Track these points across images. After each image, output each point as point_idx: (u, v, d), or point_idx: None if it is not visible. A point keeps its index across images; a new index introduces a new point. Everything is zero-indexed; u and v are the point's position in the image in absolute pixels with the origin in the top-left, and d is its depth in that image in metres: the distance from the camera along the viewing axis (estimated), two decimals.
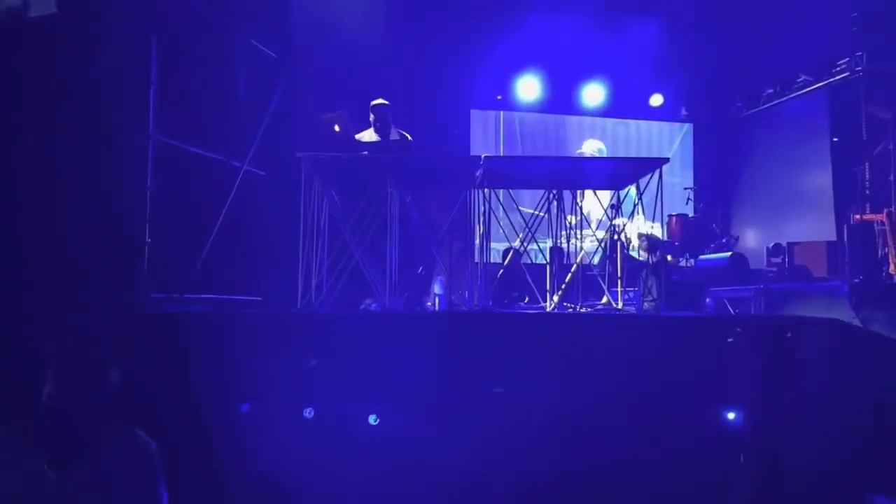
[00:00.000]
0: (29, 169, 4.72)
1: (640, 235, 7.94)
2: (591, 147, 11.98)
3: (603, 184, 5.86)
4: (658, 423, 3.43)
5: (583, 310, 5.47)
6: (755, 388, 3.37)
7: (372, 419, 3.39)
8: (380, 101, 6.02)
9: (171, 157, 5.36)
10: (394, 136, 6.00)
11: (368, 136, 6.02)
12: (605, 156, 11.79)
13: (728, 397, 3.39)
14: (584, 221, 5.92)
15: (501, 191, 5.82)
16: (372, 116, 6.01)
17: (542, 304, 5.65)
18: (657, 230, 8.38)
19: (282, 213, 6.12)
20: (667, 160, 5.00)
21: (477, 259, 5.54)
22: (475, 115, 11.57)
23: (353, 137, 5.46)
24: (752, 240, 11.18)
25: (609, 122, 12.08)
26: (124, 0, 5.19)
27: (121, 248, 4.92)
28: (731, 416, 3.32)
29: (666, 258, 7.53)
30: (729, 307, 7.33)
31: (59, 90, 4.91)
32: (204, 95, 5.82)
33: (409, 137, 6.08)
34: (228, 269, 5.72)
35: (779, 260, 9.42)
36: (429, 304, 6.01)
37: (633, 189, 5.53)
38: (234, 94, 6.20)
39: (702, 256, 9.23)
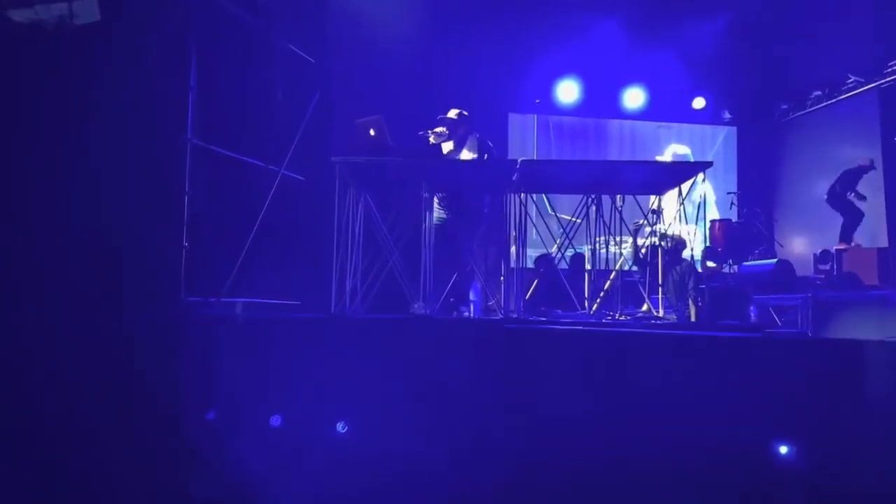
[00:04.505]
0: (69, 171, 4.79)
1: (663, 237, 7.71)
2: (674, 152, 11.74)
3: (643, 189, 5.72)
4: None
5: (622, 318, 5.34)
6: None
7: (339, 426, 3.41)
8: (451, 112, 5.86)
9: (208, 162, 5.40)
10: (470, 145, 5.82)
11: (447, 147, 5.87)
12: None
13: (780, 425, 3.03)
14: (622, 227, 5.77)
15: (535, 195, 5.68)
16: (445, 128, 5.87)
17: (581, 312, 5.54)
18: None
19: (318, 217, 6.11)
20: (710, 164, 4.85)
21: (513, 265, 5.45)
22: (513, 118, 11.47)
23: (388, 142, 5.41)
24: (799, 246, 10.86)
25: (649, 125, 11.86)
26: (165, 7, 5.25)
27: (158, 252, 4.96)
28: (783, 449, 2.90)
29: (689, 260, 7.24)
30: (774, 316, 7.09)
31: (100, 94, 4.99)
32: (241, 100, 5.85)
33: (490, 144, 5.84)
34: (265, 272, 5.73)
35: (827, 267, 9.12)
36: (465, 311, 5.93)
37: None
38: (272, 98, 6.22)
39: (746, 263, 8.97)
